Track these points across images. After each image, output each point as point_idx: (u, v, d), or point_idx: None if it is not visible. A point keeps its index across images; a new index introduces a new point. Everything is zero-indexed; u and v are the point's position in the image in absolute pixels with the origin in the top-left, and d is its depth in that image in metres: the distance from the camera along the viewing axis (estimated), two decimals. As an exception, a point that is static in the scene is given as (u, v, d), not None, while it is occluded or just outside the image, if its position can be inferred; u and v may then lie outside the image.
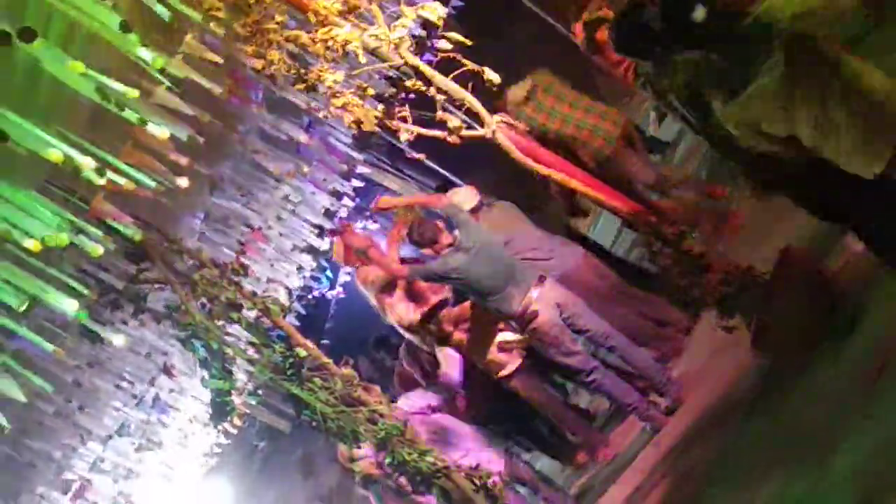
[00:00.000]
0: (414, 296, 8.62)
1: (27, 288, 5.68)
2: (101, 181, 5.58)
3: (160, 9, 5.39)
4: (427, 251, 8.17)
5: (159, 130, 6.04)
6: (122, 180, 5.98)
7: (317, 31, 6.41)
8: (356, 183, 11.29)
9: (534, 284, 7.77)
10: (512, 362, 8.35)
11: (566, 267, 8.42)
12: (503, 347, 8.32)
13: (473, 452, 7.87)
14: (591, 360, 7.89)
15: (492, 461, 7.81)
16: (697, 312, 7.63)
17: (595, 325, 7.83)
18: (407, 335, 8.89)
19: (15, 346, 6.65)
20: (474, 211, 8.58)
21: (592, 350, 8.09)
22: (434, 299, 8.58)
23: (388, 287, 8.61)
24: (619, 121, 8.59)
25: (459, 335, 8.56)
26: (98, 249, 5.88)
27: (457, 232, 7.82)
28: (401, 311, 8.66)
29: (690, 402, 7.60)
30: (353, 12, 6.53)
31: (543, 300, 7.75)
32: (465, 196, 8.76)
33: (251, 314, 6.77)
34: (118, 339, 6.82)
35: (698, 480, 6.60)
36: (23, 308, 5.67)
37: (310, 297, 12.40)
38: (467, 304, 8.35)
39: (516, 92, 8.49)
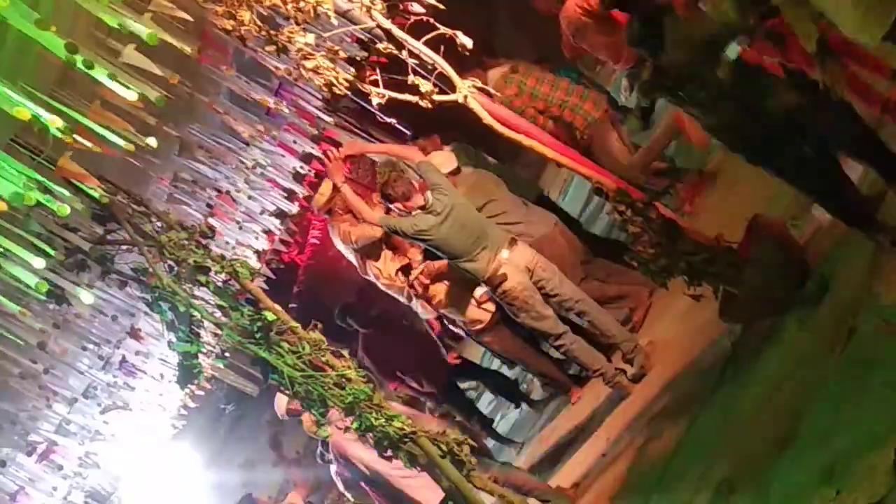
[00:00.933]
0: (392, 248, 8.66)
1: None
2: (69, 140, 5.51)
3: None
4: (398, 206, 8.08)
5: (127, 92, 5.96)
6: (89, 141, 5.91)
7: (288, -9, 6.35)
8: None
9: (505, 247, 7.77)
10: (484, 317, 8.41)
11: (539, 233, 8.43)
12: (480, 302, 8.38)
13: None
14: (560, 324, 7.91)
15: None
16: (666, 281, 7.65)
17: (565, 290, 7.84)
18: (384, 288, 8.93)
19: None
20: (452, 174, 8.54)
21: (562, 313, 8.09)
22: (412, 253, 8.63)
23: (373, 251, 8.67)
24: (601, 103, 8.69)
25: (437, 290, 8.60)
26: (65, 209, 5.83)
27: (429, 193, 7.78)
28: (379, 265, 8.70)
29: (658, 370, 7.63)
30: (324, -26, 6.47)
31: (513, 263, 7.77)
32: (443, 158, 8.71)
33: (219, 277, 6.73)
34: (87, 297, 6.74)
35: (665, 449, 6.64)
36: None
37: (278, 260, 12.33)
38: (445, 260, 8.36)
39: (496, 73, 8.51)
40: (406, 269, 8.81)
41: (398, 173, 8.15)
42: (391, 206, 8.08)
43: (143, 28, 5.81)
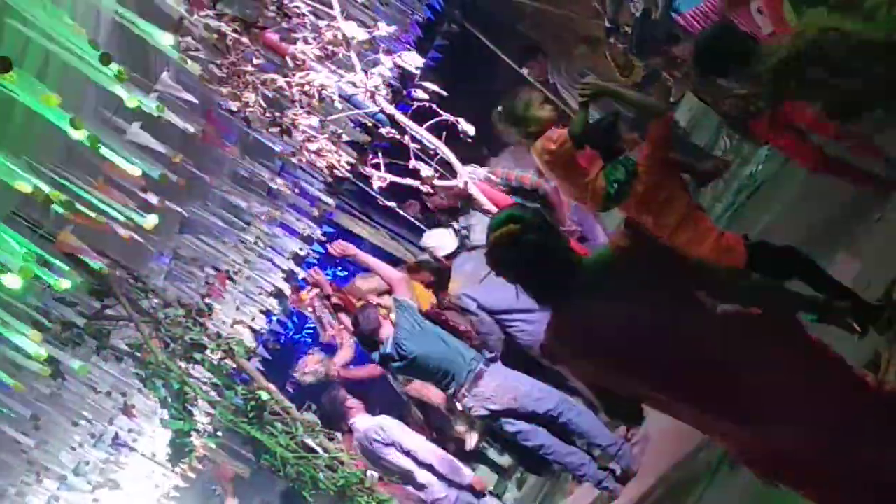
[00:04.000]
0: None
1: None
2: (70, 215, 5.55)
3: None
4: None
5: (131, 168, 6.02)
6: (91, 214, 5.96)
7: (294, 75, 6.45)
8: (327, 228, 11.32)
9: (468, 384, 7.70)
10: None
11: (539, 328, 8.23)
12: None
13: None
14: (538, 434, 7.74)
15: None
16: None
17: (541, 406, 7.69)
18: None
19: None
20: (451, 257, 8.51)
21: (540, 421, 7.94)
22: None
23: None
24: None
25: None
26: (65, 283, 5.84)
27: (398, 332, 7.78)
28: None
29: (649, 467, 7.52)
30: (330, 58, 6.58)
31: (479, 399, 7.71)
32: (440, 240, 8.61)
33: (215, 356, 6.73)
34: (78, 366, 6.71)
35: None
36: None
37: (275, 341, 12.34)
38: None
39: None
40: None
41: (367, 305, 8.16)
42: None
43: (150, 102, 5.88)
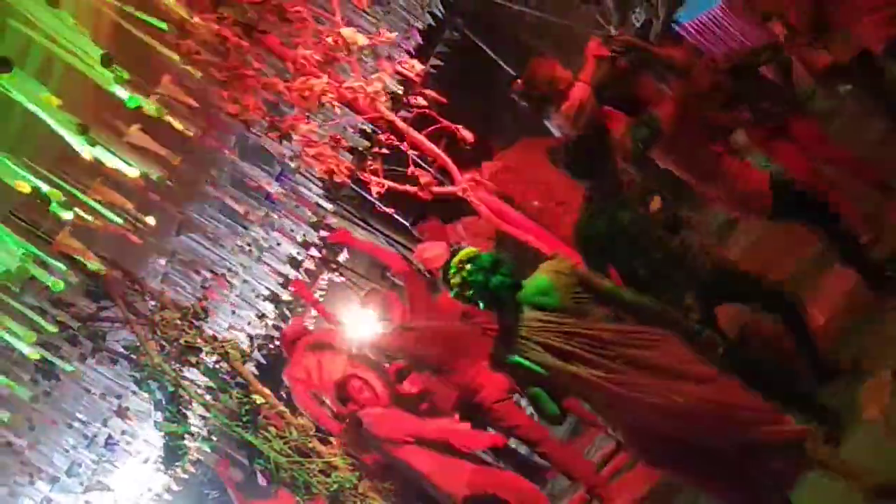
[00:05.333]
0: None
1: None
2: (68, 215, 5.54)
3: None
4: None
5: (129, 170, 6.00)
6: (89, 216, 5.94)
7: (294, 80, 6.44)
8: (325, 233, 11.29)
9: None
10: None
11: None
12: None
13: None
14: (540, 428, 7.76)
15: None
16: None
17: None
18: None
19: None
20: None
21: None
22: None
23: None
24: None
25: None
26: (60, 284, 5.83)
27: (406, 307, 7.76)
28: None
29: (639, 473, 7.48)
30: (331, 64, 6.58)
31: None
32: (435, 251, 8.57)
33: (210, 359, 6.71)
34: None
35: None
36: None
37: (271, 346, 12.29)
38: None
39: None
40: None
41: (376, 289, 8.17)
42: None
43: (149, 104, 5.86)
